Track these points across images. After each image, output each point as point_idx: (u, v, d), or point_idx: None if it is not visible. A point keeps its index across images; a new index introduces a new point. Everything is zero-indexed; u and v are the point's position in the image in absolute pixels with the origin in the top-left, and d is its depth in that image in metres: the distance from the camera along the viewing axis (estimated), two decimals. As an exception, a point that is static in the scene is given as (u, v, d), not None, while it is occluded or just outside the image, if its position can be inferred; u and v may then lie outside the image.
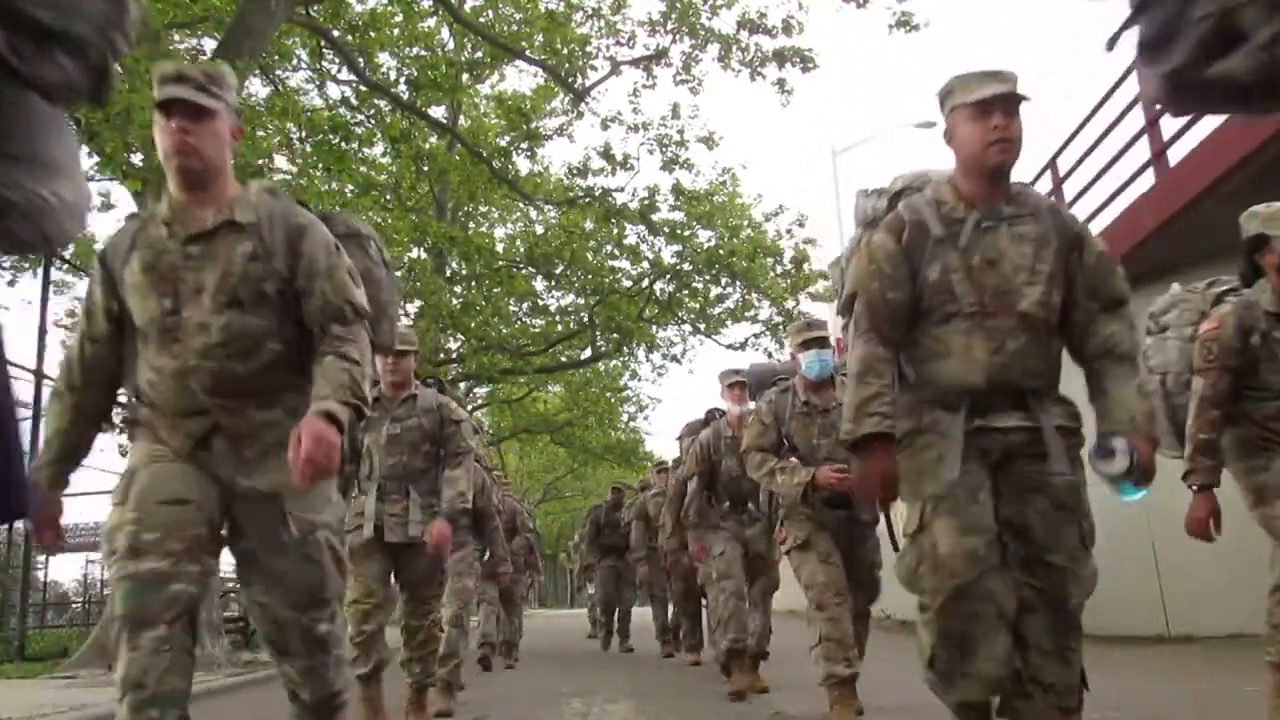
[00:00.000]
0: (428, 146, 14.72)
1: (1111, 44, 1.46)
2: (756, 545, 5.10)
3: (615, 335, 17.27)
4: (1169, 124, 6.91)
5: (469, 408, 20.87)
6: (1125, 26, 1.24)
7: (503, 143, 16.32)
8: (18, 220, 1.16)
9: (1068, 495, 2.25)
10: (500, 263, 16.65)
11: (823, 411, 4.11)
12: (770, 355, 15.57)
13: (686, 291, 17.42)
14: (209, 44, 10.61)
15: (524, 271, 17.26)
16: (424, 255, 16.14)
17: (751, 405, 4.85)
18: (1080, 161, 8.40)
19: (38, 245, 1.26)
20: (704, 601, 8.01)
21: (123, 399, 2.34)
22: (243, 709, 5.60)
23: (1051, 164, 8.98)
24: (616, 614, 10.28)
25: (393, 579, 4.18)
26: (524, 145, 16.23)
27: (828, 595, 3.84)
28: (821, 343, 4.15)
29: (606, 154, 15.82)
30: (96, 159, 9.30)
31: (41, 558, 13.09)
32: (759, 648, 5.16)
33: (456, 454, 4.17)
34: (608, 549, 10.01)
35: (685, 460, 5.83)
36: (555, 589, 49.91)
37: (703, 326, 17.85)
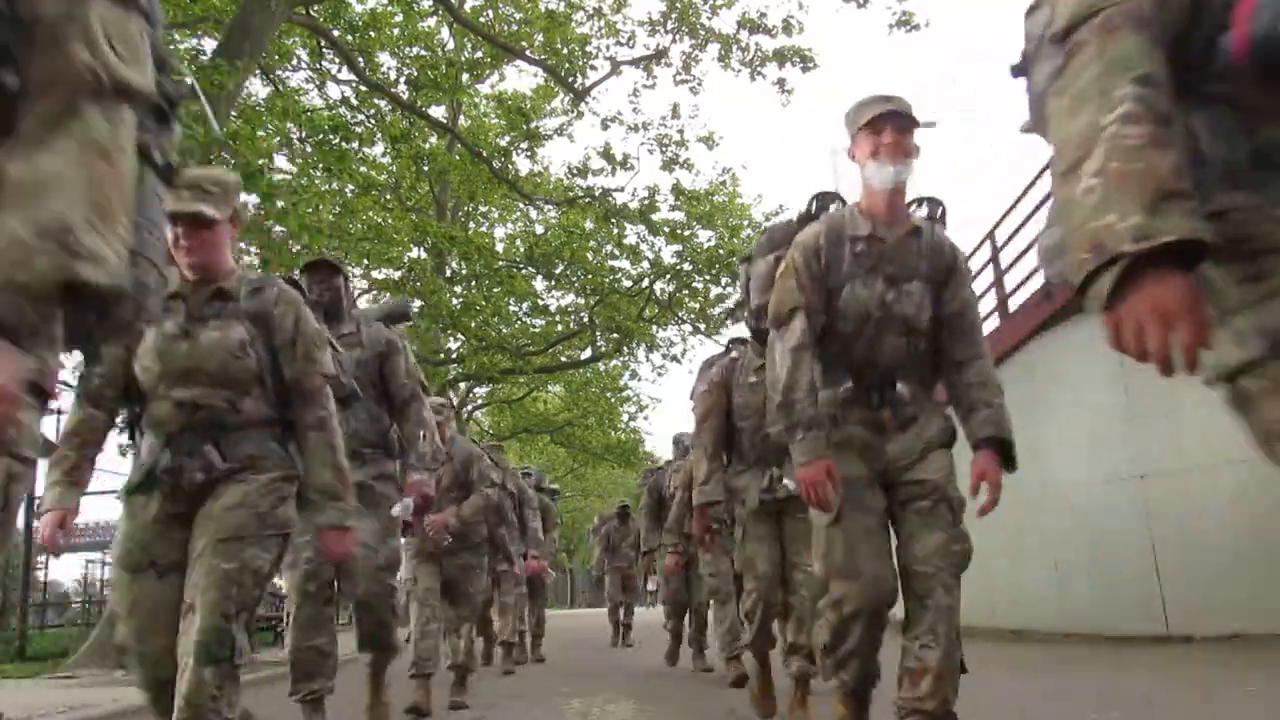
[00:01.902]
0: (428, 146, 14.73)
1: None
2: (907, 466, 2.47)
3: (615, 335, 17.30)
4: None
5: (469, 408, 20.88)
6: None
7: (503, 143, 16.34)
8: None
9: None
10: (500, 263, 16.67)
11: None
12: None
13: (686, 291, 17.45)
14: (209, 44, 10.61)
15: (524, 271, 17.28)
16: (424, 255, 16.16)
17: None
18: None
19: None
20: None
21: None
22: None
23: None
24: (686, 616, 7.35)
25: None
26: (524, 145, 16.26)
27: None
28: None
29: (606, 154, 15.84)
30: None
31: (41, 558, 13.09)
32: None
33: None
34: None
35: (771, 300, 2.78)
36: (555, 588, 49.87)
37: (703, 326, 17.87)
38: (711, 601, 5.82)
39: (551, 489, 10.42)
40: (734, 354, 4.12)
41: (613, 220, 15.89)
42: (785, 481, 3.50)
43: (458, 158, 15.29)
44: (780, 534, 3.79)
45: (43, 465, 2.02)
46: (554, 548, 9.02)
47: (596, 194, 16.06)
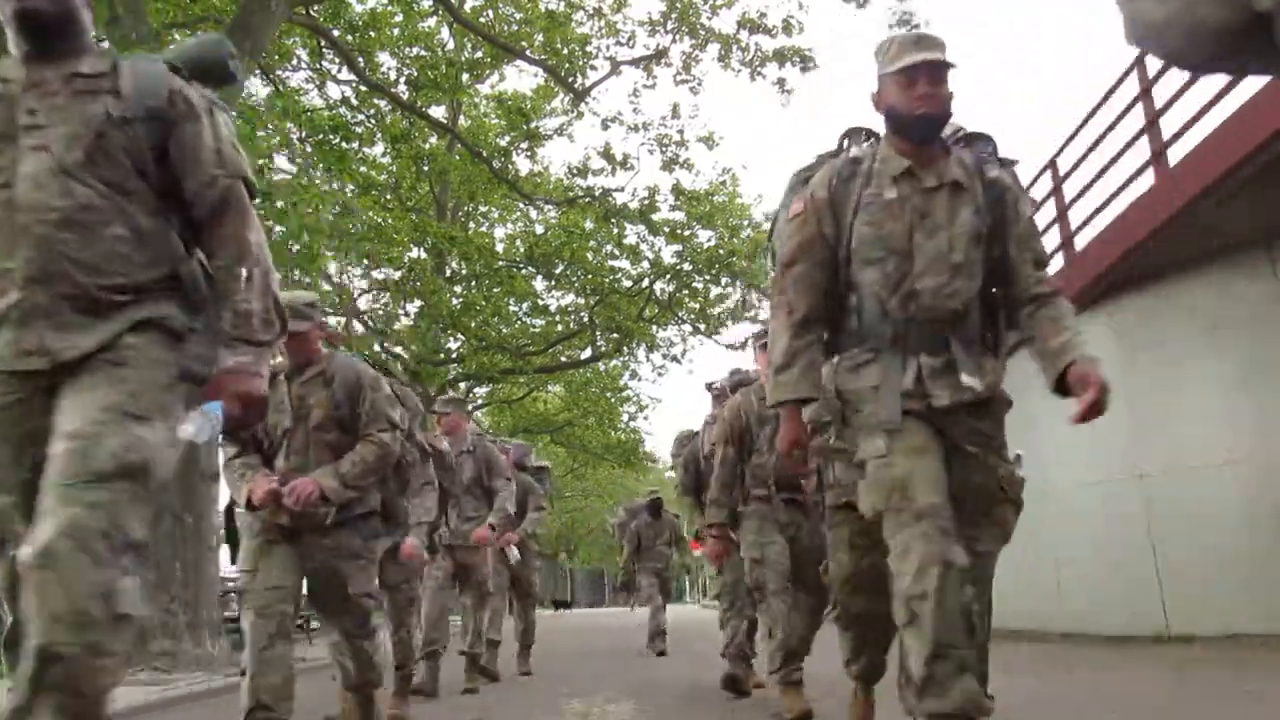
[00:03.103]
0: (428, 146, 14.74)
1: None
2: None
3: (615, 335, 17.30)
4: (1168, 123, 6.91)
5: (469, 408, 20.87)
6: None
7: (503, 143, 16.34)
8: None
9: None
10: (500, 263, 16.68)
11: None
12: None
13: (686, 291, 17.45)
14: (209, 44, 10.61)
15: (524, 271, 17.29)
16: (424, 255, 16.16)
17: None
18: (1080, 162, 8.41)
19: None
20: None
21: None
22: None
23: (1051, 164, 8.98)
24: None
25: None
26: (524, 145, 16.26)
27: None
28: None
29: (606, 154, 15.85)
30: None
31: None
32: None
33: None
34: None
35: None
36: (555, 587, 49.93)
37: (703, 326, 17.89)
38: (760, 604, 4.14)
39: (538, 466, 8.07)
40: (855, 152, 2.36)
41: (613, 220, 15.89)
42: (964, 378, 2.06)
43: (458, 158, 15.30)
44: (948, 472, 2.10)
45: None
46: (532, 528, 6.58)
47: (596, 194, 16.06)
